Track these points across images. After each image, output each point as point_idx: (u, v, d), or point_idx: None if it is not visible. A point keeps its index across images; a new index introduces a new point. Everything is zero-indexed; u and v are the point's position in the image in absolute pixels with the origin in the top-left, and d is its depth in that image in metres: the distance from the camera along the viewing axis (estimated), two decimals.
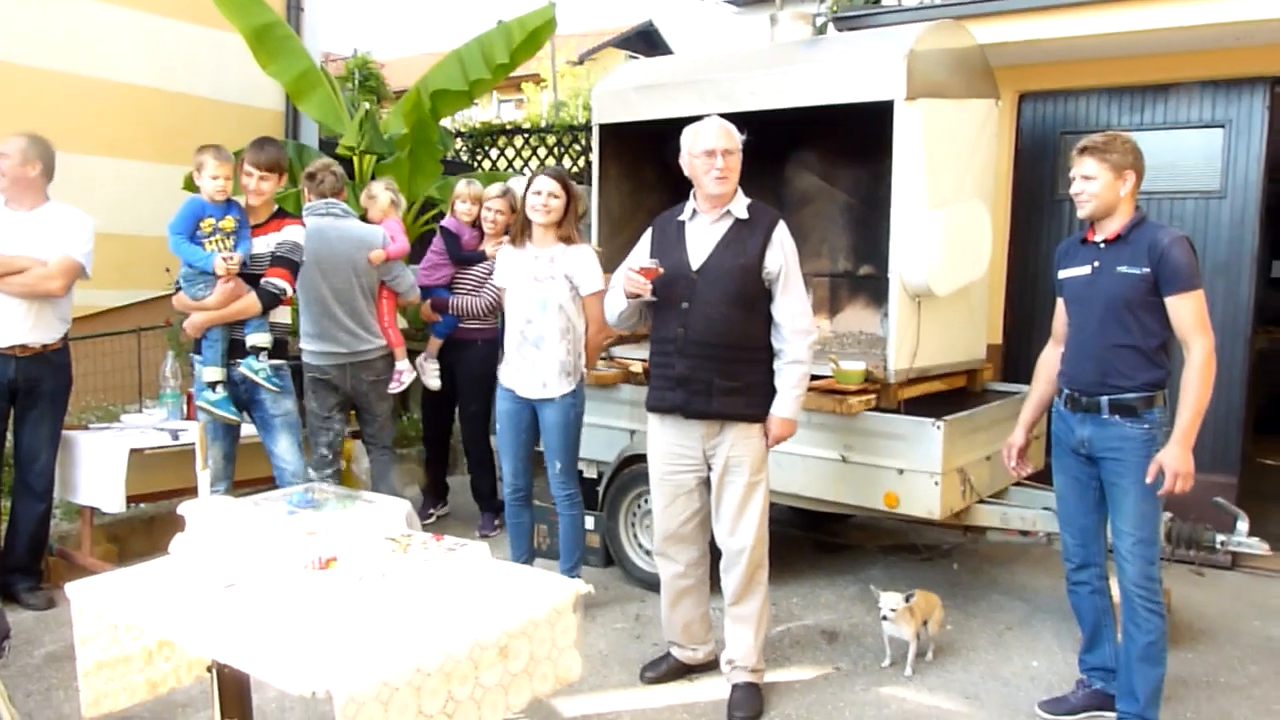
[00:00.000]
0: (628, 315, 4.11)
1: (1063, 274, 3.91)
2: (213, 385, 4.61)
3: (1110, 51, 6.09)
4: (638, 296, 3.94)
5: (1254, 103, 5.95)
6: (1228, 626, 4.98)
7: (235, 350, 4.65)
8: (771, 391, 3.97)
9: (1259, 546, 4.55)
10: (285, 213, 4.85)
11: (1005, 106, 6.07)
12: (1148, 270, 3.60)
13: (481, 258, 6.01)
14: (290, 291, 4.68)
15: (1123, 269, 3.67)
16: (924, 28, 4.95)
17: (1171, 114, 6.20)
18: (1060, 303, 3.99)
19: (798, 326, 3.93)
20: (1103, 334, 3.71)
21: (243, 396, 4.72)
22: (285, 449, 4.78)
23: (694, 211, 4.04)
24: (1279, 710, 4.12)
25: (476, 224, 6.13)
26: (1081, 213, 3.78)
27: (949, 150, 5.03)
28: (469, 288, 6.04)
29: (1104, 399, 3.70)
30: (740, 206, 3.96)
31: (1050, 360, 4.05)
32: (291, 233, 4.70)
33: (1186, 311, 3.58)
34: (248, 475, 5.23)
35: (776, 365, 3.96)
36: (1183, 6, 5.41)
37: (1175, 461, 3.53)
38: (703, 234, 3.99)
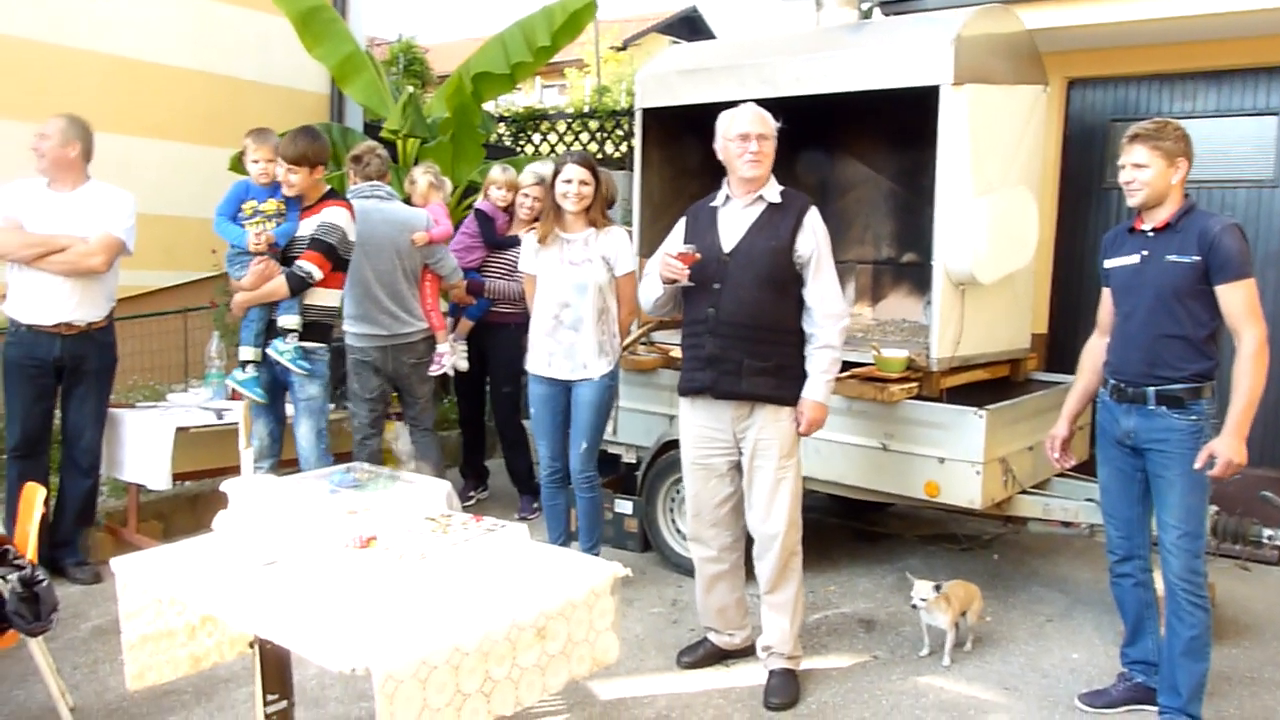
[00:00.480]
0: (663, 302, 4.13)
1: (1109, 263, 3.85)
2: (244, 364, 4.67)
3: (1161, 37, 5.98)
4: (675, 282, 3.96)
5: None
6: (1274, 622, 4.90)
7: (275, 331, 4.70)
8: (802, 375, 3.96)
9: None
10: (335, 193, 4.86)
11: (1054, 93, 5.98)
12: (1198, 259, 3.54)
13: (516, 242, 6.04)
14: (318, 275, 4.68)
15: (1172, 258, 3.60)
16: (972, 12, 4.88)
17: (1224, 101, 6.08)
18: (1106, 292, 3.93)
19: (829, 310, 3.93)
20: (1151, 324, 3.65)
21: (280, 378, 4.76)
22: (304, 434, 4.82)
23: (726, 197, 4.07)
24: None
25: (508, 209, 6.18)
26: (1132, 201, 3.71)
27: (995, 137, 4.96)
28: (503, 272, 6.08)
29: (1151, 390, 3.64)
30: (773, 192, 3.99)
31: (1095, 350, 4.00)
32: (330, 214, 4.72)
33: (1238, 300, 3.52)
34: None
35: (808, 350, 3.96)
36: None
37: (1228, 450, 3.47)
38: (735, 218, 4.02)
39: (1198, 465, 3.54)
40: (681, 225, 4.18)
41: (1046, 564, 5.67)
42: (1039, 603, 5.07)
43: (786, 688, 4.01)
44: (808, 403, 3.93)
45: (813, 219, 3.95)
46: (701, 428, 4.08)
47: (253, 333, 4.68)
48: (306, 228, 4.70)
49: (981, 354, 5.16)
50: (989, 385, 5.24)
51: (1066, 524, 5.36)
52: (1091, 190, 6.57)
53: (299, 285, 4.65)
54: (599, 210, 4.74)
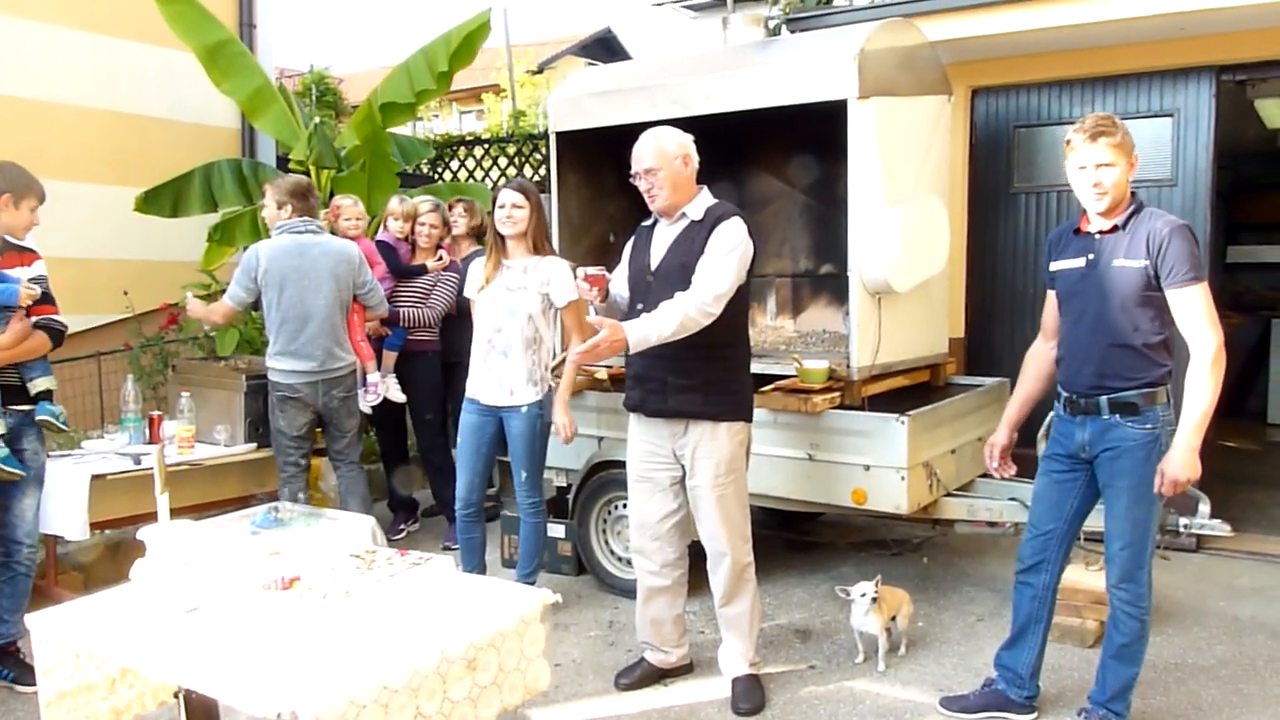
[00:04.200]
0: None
1: (1054, 266, 3.66)
2: None
3: (1059, 45, 6.15)
4: (592, 303, 4.04)
5: (1200, 91, 6.03)
6: (1194, 608, 5.03)
7: (10, 396, 4.29)
8: (735, 392, 4.00)
9: (1222, 528, 4.58)
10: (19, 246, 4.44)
11: (958, 102, 6.12)
12: (1145, 263, 3.36)
13: (422, 271, 6.10)
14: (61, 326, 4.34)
15: (1119, 263, 3.41)
16: (874, 27, 4.98)
17: (1121, 104, 6.25)
18: (1050, 295, 3.77)
19: (695, 291, 3.75)
20: (1099, 333, 3.49)
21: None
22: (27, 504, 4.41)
23: (656, 218, 4.12)
24: (1246, 691, 4.16)
25: (408, 239, 6.24)
26: (1098, 207, 3.45)
27: (903, 147, 5.06)
28: (411, 301, 6.06)
29: (1103, 399, 3.49)
30: (697, 208, 3.99)
31: (1039, 355, 3.85)
32: (41, 267, 4.42)
33: (1189, 305, 3.33)
34: (217, 496, 5.19)
35: None
36: None
37: (1175, 468, 3.38)
38: (662, 237, 4.07)
39: (1155, 489, 3.43)
40: (629, 245, 4.24)
41: (975, 564, 5.76)
42: (970, 603, 5.15)
43: (752, 692, 4.05)
44: (616, 326, 3.67)
45: (724, 227, 3.86)
46: (644, 443, 4.12)
47: None
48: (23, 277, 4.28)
49: (901, 361, 5.24)
50: (910, 391, 5.32)
51: (992, 524, 5.45)
52: (1000, 195, 6.71)
53: (59, 338, 4.36)
54: (538, 235, 4.73)
